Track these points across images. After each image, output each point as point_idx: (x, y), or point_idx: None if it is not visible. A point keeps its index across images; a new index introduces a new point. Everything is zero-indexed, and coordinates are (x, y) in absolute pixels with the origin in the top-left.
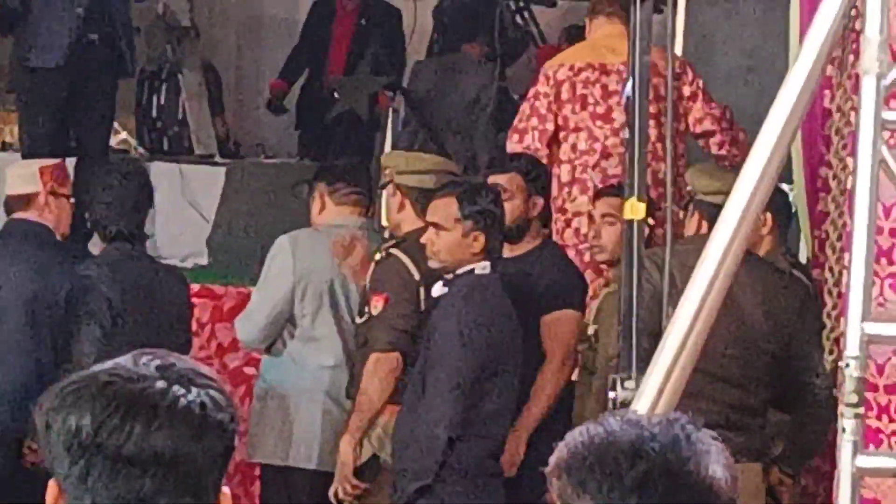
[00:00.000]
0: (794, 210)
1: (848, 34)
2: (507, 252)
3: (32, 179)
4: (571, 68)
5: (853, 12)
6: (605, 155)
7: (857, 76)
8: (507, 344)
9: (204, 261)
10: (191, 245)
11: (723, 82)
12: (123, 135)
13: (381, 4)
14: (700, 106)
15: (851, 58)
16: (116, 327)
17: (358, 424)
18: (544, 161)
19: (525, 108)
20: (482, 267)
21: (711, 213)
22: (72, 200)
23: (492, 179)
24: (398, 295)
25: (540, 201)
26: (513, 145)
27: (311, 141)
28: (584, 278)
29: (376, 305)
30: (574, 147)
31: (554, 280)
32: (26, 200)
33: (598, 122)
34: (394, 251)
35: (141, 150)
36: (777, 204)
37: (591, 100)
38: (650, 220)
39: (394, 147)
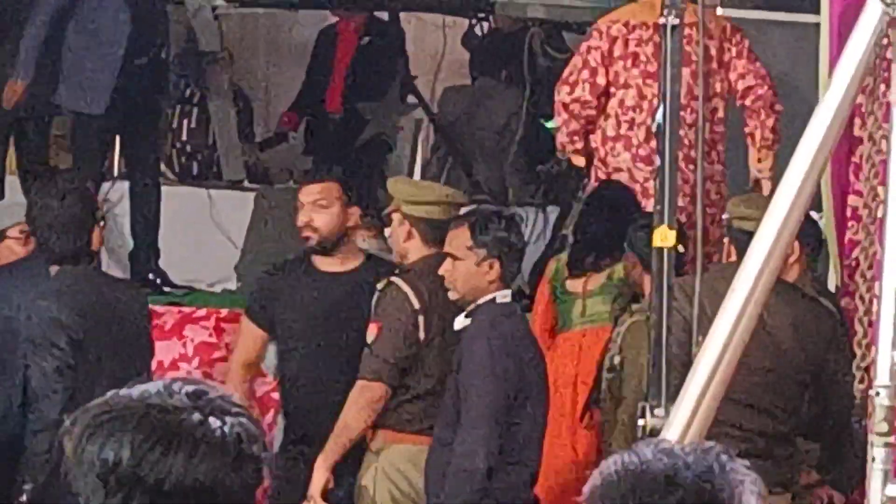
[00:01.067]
0: (823, 238)
1: (879, 63)
2: (328, 267)
3: None
4: (626, 24)
5: (884, 41)
6: (652, 113)
7: (888, 105)
8: (534, 370)
9: (232, 285)
10: (219, 270)
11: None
12: None
13: (384, 25)
14: (744, 62)
15: (882, 87)
16: (79, 354)
17: (332, 448)
18: (592, 112)
19: (577, 60)
20: (503, 295)
21: (743, 241)
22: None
23: (305, 189)
24: (392, 325)
25: (357, 211)
26: (563, 96)
27: (323, 164)
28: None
29: (371, 333)
30: (622, 102)
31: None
32: None
33: (648, 81)
34: (395, 280)
35: (170, 174)
36: (806, 232)
37: (642, 57)
38: (680, 247)
39: (423, 174)
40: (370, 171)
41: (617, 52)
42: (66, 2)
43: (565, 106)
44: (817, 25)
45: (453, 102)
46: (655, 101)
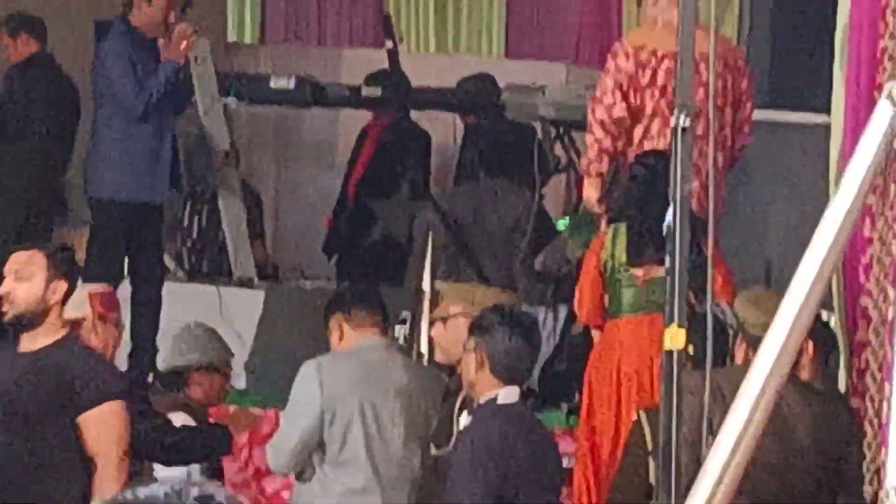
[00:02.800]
0: (834, 338)
1: (890, 164)
2: (23, 345)
3: (81, 304)
4: (654, 53)
5: (895, 143)
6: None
7: None
8: (531, 467)
9: (242, 384)
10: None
11: (763, 209)
12: None
13: (409, 128)
14: (751, 105)
15: (893, 187)
16: None
17: None
18: (622, 133)
19: (608, 81)
20: (506, 395)
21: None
22: (121, 326)
23: (11, 257)
24: None
25: (63, 286)
26: (600, 114)
27: (347, 264)
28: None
29: None
30: (647, 131)
31: (86, 371)
32: (74, 325)
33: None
34: None
35: (180, 272)
36: (818, 332)
37: (670, 88)
38: (690, 349)
39: (433, 272)
40: (377, 270)
41: (644, 80)
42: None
43: (602, 123)
44: (828, 126)
45: (463, 201)
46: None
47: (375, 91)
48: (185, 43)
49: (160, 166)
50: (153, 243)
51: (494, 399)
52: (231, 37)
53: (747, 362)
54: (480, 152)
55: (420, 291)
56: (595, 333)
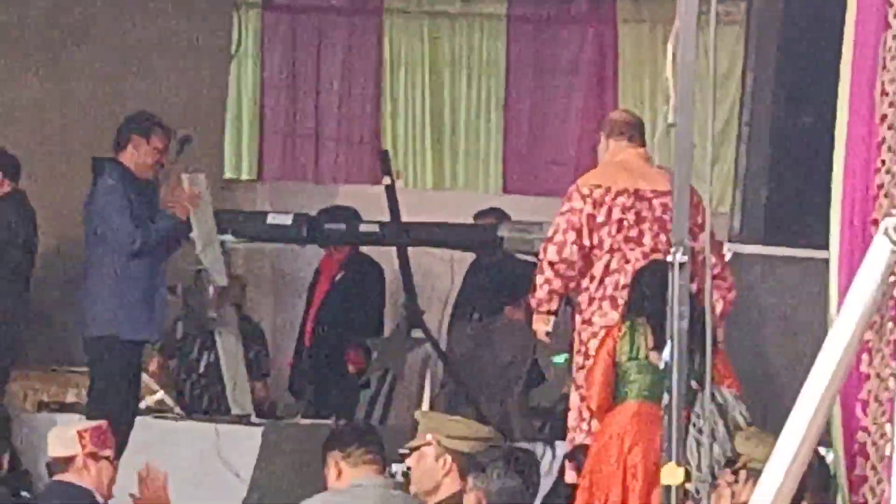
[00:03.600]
0: (833, 474)
1: (886, 300)
2: None
3: (71, 442)
4: (608, 191)
5: (891, 279)
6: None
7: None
8: None
9: None
10: None
11: (760, 345)
12: (159, 394)
13: (364, 261)
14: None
15: (890, 324)
16: None
17: None
18: (575, 274)
19: (561, 221)
20: None
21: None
22: (115, 462)
23: None
24: None
25: None
26: (551, 255)
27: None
28: None
29: None
30: (607, 266)
31: None
32: (66, 462)
33: (631, 245)
34: None
35: (178, 409)
36: (815, 468)
37: (626, 224)
38: (687, 486)
39: (431, 408)
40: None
41: (600, 217)
42: None
43: (552, 264)
44: (826, 261)
45: (461, 338)
46: (639, 264)
47: (372, 227)
48: (191, 203)
49: (156, 304)
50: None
51: None
52: (228, 174)
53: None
54: (481, 288)
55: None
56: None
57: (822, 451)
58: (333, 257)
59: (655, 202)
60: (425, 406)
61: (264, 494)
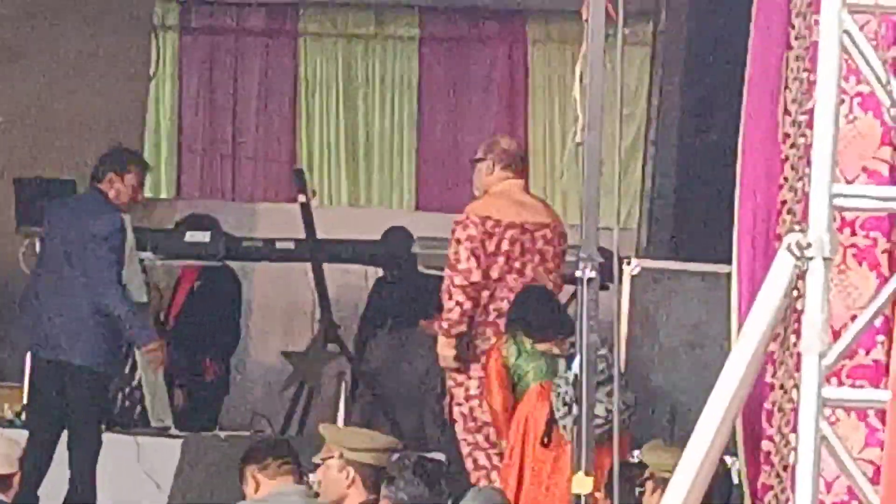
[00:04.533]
0: (736, 482)
1: (790, 314)
2: None
3: (8, 461)
4: (498, 223)
5: (794, 293)
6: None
7: (799, 354)
8: None
9: None
10: None
11: (668, 357)
12: None
13: (221, 270)
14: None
15: (794, 337)
16: None
17: None
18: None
19: (461, 250)
20: None
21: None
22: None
23: None
24: None
25: None
26: (460, 280)
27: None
28: None
29: None
30: (492, 294)
31: None
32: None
33: (514, 275)
34: None
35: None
36: (721, 476)
37: (512, 255)
38: (597, 494)
39: (346, 420)
40: None
41: (491, 248)
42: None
43: (462, 288)
44: (730, 275)
45: (378, 351)
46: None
47: (288, 244)
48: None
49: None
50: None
51: None
52: (147, 192)
53: None
54: (392, 302)
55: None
56: None
57: (727, 459)
58: (193, 266)
59: (537, 234)
60: (340, 418)
61: (184, 502)
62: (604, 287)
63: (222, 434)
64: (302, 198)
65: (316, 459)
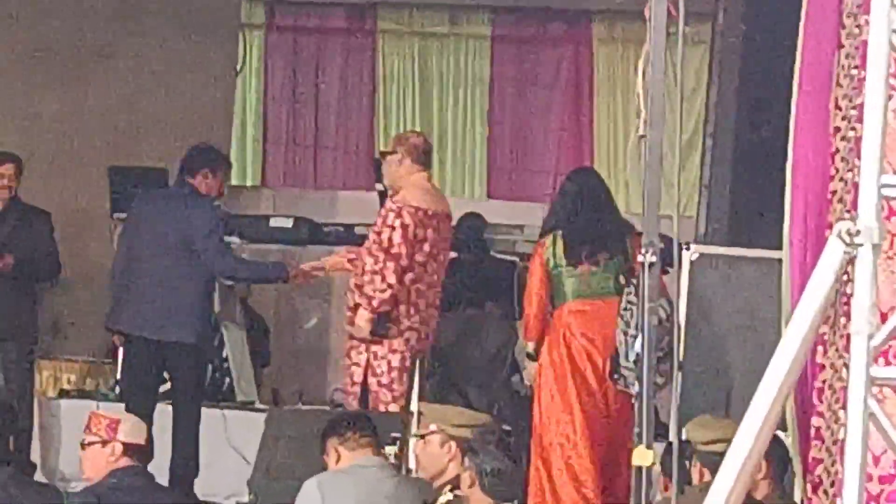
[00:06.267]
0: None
1: (840, 296)
2: None
3: (141, 431)
4: (426, 213)
5: (844, 277)
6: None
7: (849, 336)
8: None
9: (245, 499)
10: (233, 485)
11: (723, 339)
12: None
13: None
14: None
15: (843, 319)
16: None
17: None
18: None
19: (396, 237)
20: None
21: (710, 462)
22: None
23: None
24: None
25: None
26: (393, 265)
27: None
28: None
29: None
30: (414, 278)
31: None
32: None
33: (431, 261)
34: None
35: None
36: (774, 451)
37: (428, 241)
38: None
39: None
40: None
41: (420, 234)
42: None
43: (396, 271)
44: (780, 261)
45: (448, 331)
46: (437, 276)
47: (366, 230)
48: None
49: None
50: None
51: None
52: (234, 181)
53: (703, 483)
54: (465, 284)
55: (408, 413)
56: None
57: (780, 434)
58: None
59: (447, 223)
60: (415, 395)
61: (267, 474)
62: (664, 272)
63: (304, 408)
64: (380, 186)
65: (418, 433)
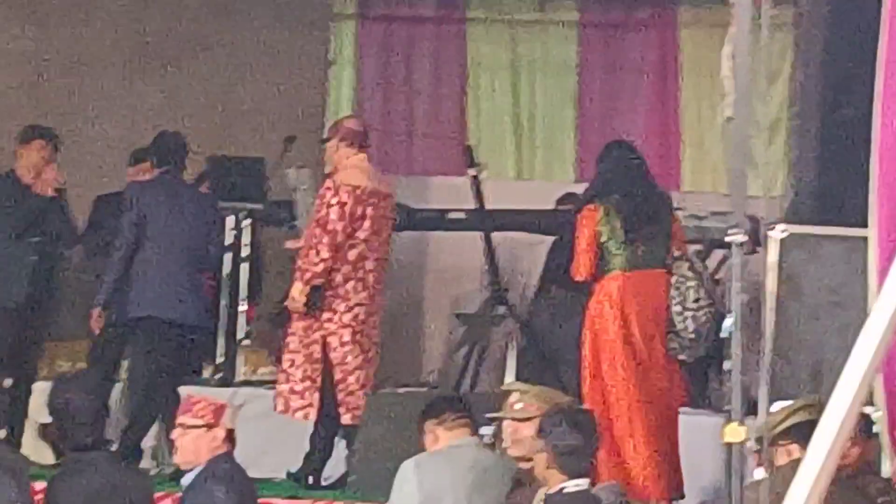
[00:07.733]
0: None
1: None
2: None
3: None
4: (364, 191)
5: None
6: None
7: None
8: None
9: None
10: (332, 466)
11: (812, 317)
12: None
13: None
14: None
15: None
16: None
17: None
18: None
19: (332, 213)
20: (573, 485)
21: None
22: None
23: None
24: None
25: None
26: (328, 241)
27: None
28: None
29: None
30: (360, 254)
31: None
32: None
33: (373, 237)
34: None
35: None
36: (861, 426)
37: (374, 219)
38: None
39: (517, 378)
40: None
41: (359, 212)
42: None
43: (330, 246)
44: (866, 239)
45: (542, 311)
46: (378, 253)
47: (459, 214)
48: None
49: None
50: None
51: (561, 490)
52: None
53: (791, 461)
54: (560, 265)
55: (504, 394)
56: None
57: (868, 409)
58: None
59: (388, 202)
60: (510, 376)
61: (366, 455)
62: (753, 251)
63: (400, 391)
64: (472, 171)
65: (518, 416)
